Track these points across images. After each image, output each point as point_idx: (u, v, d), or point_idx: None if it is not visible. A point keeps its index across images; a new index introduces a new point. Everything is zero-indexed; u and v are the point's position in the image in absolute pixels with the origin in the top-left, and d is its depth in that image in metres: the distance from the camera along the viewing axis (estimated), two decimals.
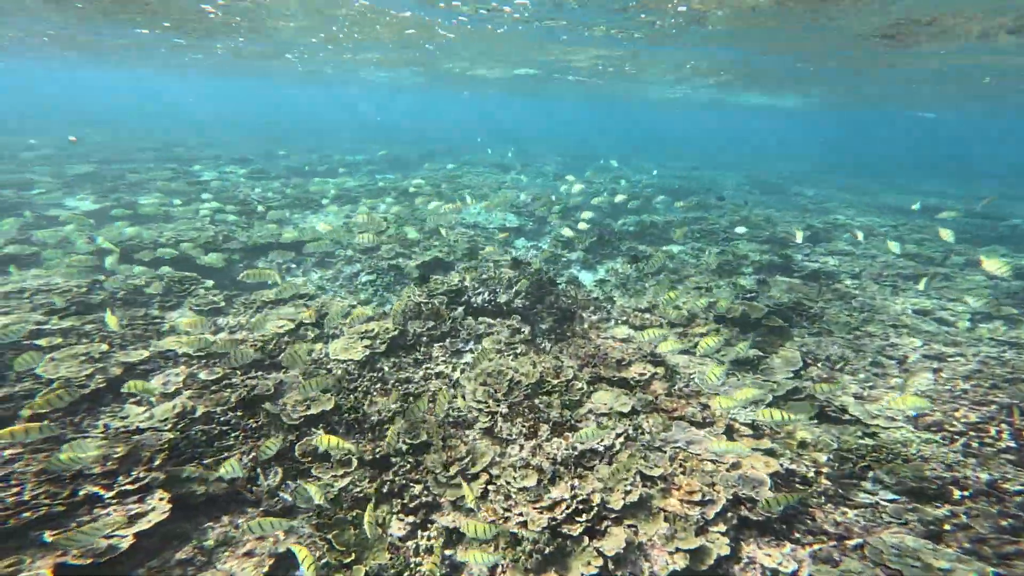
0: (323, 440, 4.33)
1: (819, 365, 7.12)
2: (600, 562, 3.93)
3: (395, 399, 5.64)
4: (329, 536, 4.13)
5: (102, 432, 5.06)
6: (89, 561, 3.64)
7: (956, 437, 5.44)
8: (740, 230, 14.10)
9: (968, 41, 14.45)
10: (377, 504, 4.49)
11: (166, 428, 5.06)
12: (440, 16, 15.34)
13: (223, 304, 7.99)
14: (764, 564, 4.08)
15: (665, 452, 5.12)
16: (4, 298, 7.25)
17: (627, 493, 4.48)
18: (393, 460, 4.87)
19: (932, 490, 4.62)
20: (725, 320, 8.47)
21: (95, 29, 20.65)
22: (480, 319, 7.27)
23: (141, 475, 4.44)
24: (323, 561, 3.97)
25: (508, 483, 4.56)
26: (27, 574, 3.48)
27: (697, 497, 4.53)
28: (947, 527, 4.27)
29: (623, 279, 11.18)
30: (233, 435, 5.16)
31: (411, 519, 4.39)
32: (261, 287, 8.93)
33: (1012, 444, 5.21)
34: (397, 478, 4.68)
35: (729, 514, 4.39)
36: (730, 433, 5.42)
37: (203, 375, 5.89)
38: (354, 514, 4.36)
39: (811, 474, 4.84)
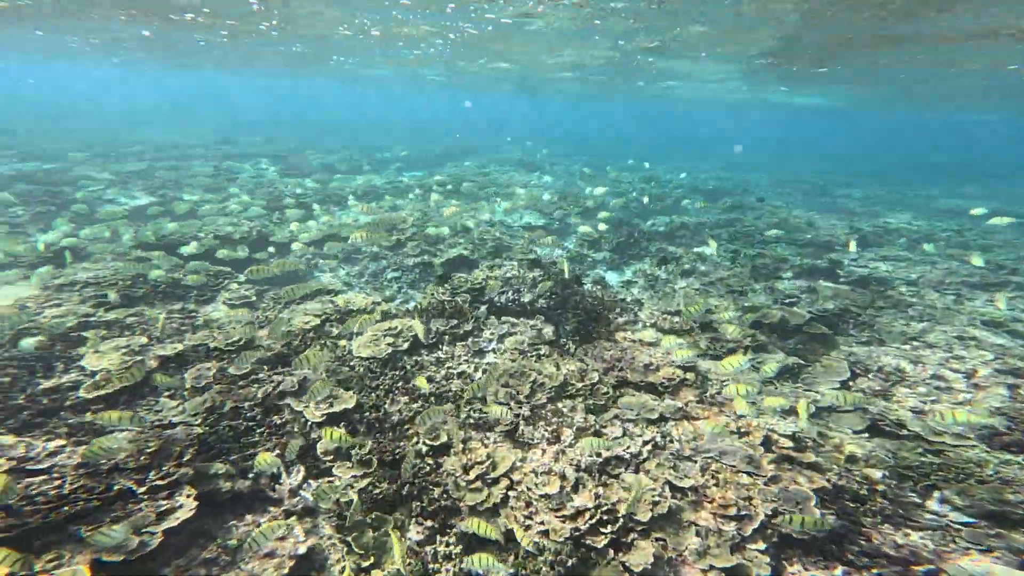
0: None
1: (870, 376, 6.60)
2: None
3: (413, 399, 5.58)
4: (349, 539, 4.09)
5: (138, 425, 5.22)
6: (121, 558, 3.70)
7: None
8: (774, 232, 13.44)
9: None
10: (395, 507, 4.42)
11: (196, 423, 5.17)
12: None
13: (254, 299, 8.19)
14: None
15: (696, 462, 4.83)
16: (56, 290, 7.67)
17: (655, 504, 4.24)
18: (413, 462, 4.79)
19: (1017, 515, 4.14)
20: (762, 326, 8.03)
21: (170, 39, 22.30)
22: (503, 318, 7.14)
23: (171, 470, 4.52)
24: (341, 564, 3.92)
25: (529, 489, 4.40)
26: (66, 569, 3.55)
27: (732, 511, 4.24)
28: None
29: (651, 280, 10.83)
30: (259, 431, 5.23)
31: (429, 523, 4.29)
32: (292, 279, 9.15)
33: None
34: (417, 480, 4.60)
35: (769, 531, 4.08)
36: (768, 445, 5.07)
37: (232, 370, 6.01)
38: (373, 516, 4.30)
39: (864, 491, 4.44)
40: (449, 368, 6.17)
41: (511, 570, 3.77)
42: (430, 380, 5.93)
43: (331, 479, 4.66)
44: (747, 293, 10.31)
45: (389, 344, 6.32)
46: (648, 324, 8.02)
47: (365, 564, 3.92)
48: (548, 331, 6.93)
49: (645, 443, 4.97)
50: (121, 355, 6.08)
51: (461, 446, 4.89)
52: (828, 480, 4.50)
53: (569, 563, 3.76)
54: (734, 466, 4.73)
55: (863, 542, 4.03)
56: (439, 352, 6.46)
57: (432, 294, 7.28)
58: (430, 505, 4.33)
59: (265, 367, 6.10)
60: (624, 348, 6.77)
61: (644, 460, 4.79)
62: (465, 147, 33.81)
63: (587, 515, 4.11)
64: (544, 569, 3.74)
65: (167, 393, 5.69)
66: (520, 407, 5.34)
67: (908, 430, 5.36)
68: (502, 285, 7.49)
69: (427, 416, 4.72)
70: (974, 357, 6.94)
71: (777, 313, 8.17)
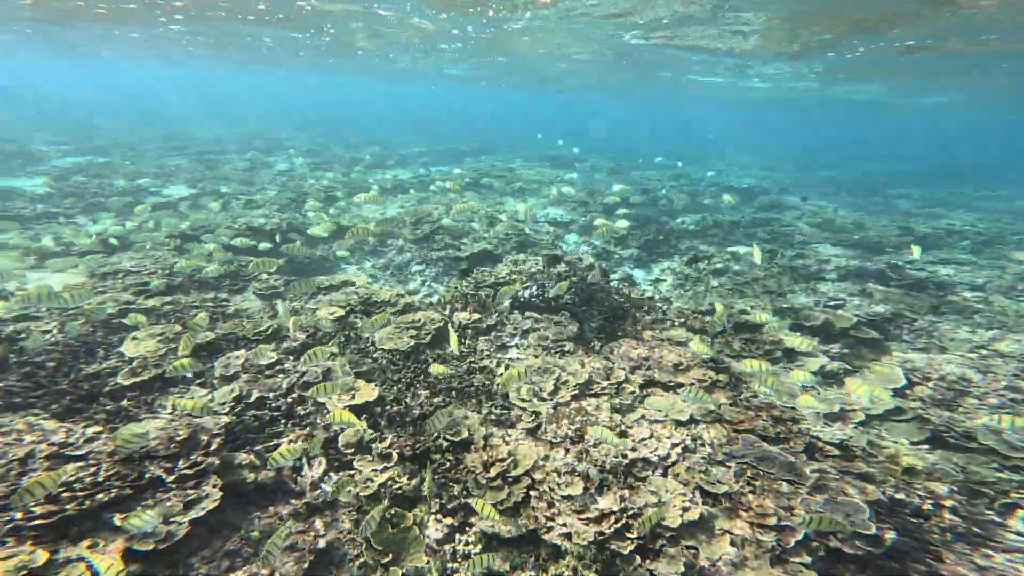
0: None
1: (930, 385, 6.06)
2: None
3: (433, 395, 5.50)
4: (368, 535, 4.02)
5: (170, 412, 5.35)
6: (152, 546, 3.75)
7: None
8: (814, 231, 12.69)
9: None
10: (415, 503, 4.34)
11: (224, 412, 5.25)
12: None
13: (282, 288, 8.34)
14: None
15: (730, 467, 4.53)
16: (101, 278, 8.04)
17: (685, 510, 3.99)
18: (434, 457, 4.70)
19: None
20: (802, 328, 7.55)
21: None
22: (527, 314, 6.98)
23: (199, 459, 4.58)
24: (360, 560, 3.85)
25: (552, 489, 4.22)
26: (100, 556, 3.62)
27: (771, 521, 3.93)
28: None
29: (681, 279, 10.42)
30: (283, 421, 5.26)
31: (449, 521, 4.19)
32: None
33: None
34: (436, 476, 4.50)
35: (815, 543, 3.75)
36: (811, 452, 4.71)
37: (261, 361, 6.10)
38: (393, 511, 4.23)
39: (927, 506, 4.03)
40: (471, 362, 6.07)
41: (531, 573, 3.61)
42: (451, 375, 5.84)
43: (351, 472, 4.63)
44: (786, 294, 9.77)
45: (412, 337, 6.27)
46: (677, 323, 7.69)
47: (384, 560, 3.85)
48: (572, 328, 6.72)
49: (674, 445, 4.71)
50: (156, 343, 6.27)
51: (482, 443, 4.77)
52: (883, 493, 4.11)
53: (593, 568, 3.57)
54: (772, 473, 4.41)
55: (931, 561, 3.64)
56: (462, 347, 6.37)
57: (455, 288, 7.21)
58: (450, 502, 4.22)
59: (290, 357, 6.17)
60: (652, 347, 6.49)
61: (673, 463, 4.53)
62: (513, 143, 33.73)
63: (612, 519, 3.90)
64: (566, 573, 3.57)
65: (197, 381, 5.82)
66: (543, 404, 5.17)
67: (979, 443, 4.86)
68: (526, 280, 7.34)
69: (443, 415, 4.62)
70: None
71: (820, 315, 7.68)
